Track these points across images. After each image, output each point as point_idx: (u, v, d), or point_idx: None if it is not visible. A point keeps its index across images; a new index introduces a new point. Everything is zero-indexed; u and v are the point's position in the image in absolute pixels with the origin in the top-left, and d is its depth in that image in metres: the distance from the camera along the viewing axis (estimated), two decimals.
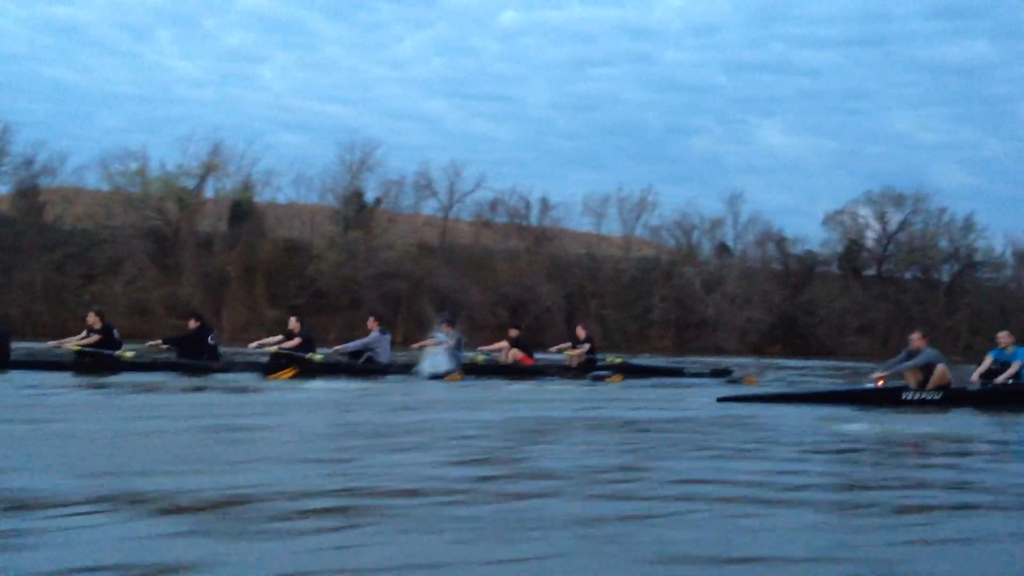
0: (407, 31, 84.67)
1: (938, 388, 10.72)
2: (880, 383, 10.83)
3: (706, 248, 49.36)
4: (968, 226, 53.54)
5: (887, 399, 10.59)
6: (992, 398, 10.82)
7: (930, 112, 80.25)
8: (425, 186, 42.19)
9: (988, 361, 11.26)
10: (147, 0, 70.03)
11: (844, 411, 9.83)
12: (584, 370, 14.60)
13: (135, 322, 29.81)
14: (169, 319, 31.23)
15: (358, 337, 14.03)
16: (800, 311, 46.74)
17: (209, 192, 39.23)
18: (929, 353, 10.97)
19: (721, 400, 10.59)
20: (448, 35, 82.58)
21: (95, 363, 12.52)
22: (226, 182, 39.02)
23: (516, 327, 15.32)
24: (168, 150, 65.15)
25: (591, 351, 15.23)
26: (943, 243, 52.82)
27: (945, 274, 53.11)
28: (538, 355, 15.81)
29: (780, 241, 48.47)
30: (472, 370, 13.88)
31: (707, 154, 79.40)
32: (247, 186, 38.57)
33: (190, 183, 37.17)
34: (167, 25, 77.71)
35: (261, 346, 13.50)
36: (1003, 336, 11.32)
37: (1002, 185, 77.55)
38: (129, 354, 12.89)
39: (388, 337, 14.01)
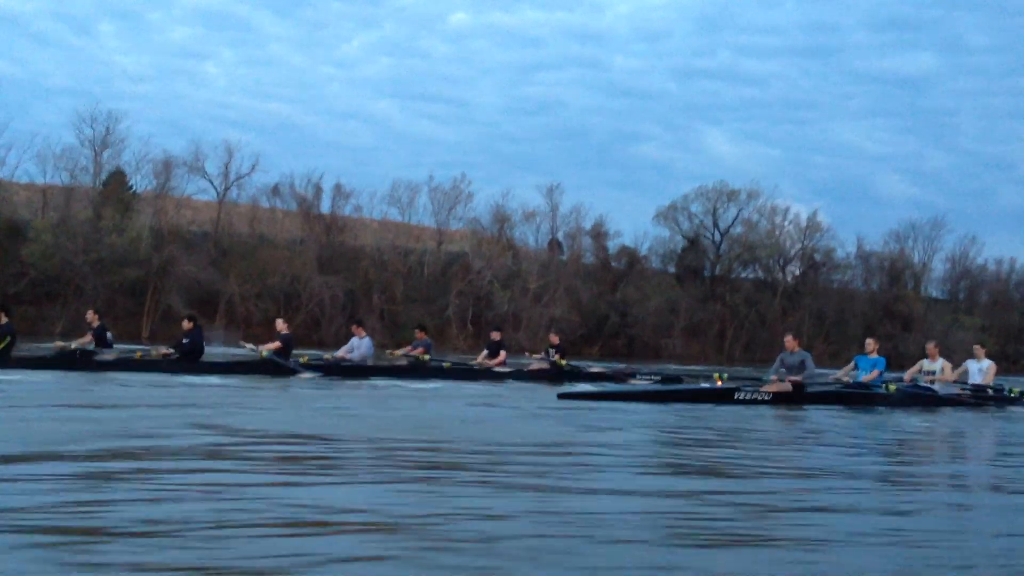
0: (354, 30, 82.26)
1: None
2: (719, 383, 11.79)
3: (530, 242, 46.28)
4: (813, 227, 51.43)
5: (721, 398, 11.28)
6: (812, 398, 11.76)
7: (874, 123, 79.67)
8: (181, 164, 38.50)
9: (851, 365, 12.58)
10: None
11: (677, 407, 10.40)
12: (555, 374, 15.21)
13: None
14: None
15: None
16: (614, 310, 43.70)
17: None
18: (803, 354, 11.91)
19: (562, 396, 10.74)
20: (396, 35, 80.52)
21: (85, 362, 12.43)
22: None
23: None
24: None
25: (562, 356, 15.91)
26: (788, 243, 50.69)
27: (789, 275, 50.89)
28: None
29: (598, 236, 45.39)
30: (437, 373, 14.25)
31: (654, 160, 77.79)
32: None
33: None
34: (110, 18, 74.64)
35: (254, 349, 13.99)
36: (869, 342, 12.52)
37: (942, 196, 76.82)
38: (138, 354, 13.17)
39: (372, 342, 14.95)
